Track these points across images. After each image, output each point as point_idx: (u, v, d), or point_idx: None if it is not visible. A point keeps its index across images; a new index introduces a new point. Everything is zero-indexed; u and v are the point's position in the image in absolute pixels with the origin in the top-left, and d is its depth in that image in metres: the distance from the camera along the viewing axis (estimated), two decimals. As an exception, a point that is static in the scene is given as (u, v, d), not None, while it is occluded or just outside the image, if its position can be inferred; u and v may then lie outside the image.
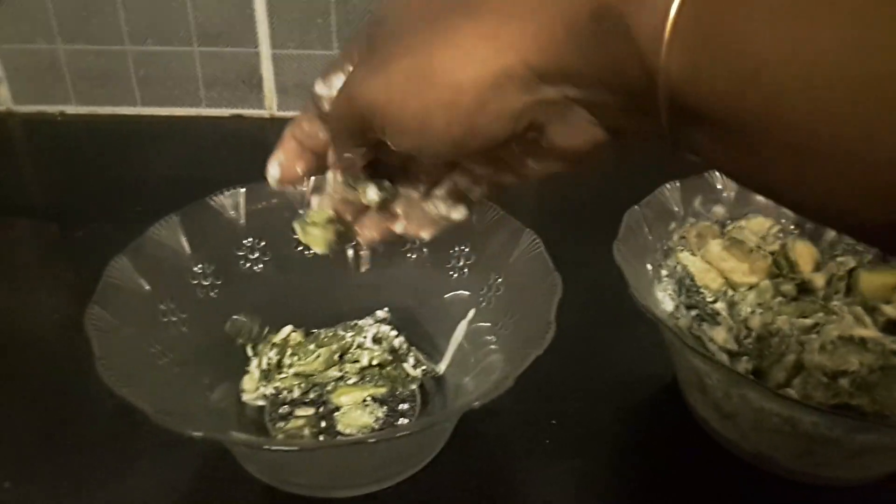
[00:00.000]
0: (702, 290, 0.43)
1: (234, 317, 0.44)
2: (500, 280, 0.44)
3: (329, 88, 0.31)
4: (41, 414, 0.44)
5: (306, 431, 0.40)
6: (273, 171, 0.35)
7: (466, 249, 0.46)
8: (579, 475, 0.42)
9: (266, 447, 0.30)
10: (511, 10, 0.23)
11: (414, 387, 0.45)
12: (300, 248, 0.48)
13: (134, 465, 0.41)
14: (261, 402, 0.43)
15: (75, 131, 0.75)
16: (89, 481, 0.41)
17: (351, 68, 0.29)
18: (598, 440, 0.43)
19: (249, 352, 0.45)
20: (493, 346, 0.42)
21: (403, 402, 0.44)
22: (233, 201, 0.47)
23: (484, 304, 0.44)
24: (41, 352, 0.49)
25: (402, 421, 0.43)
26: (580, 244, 0.48)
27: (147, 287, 0.41)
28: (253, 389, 0.43)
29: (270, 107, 0.77)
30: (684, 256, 0.44)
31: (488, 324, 0.43)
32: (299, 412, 0.42)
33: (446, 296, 0.46)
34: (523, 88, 0.24)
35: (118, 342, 0.37)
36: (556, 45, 0.23)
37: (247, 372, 0.44)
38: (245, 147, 0.75)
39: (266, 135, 0.76)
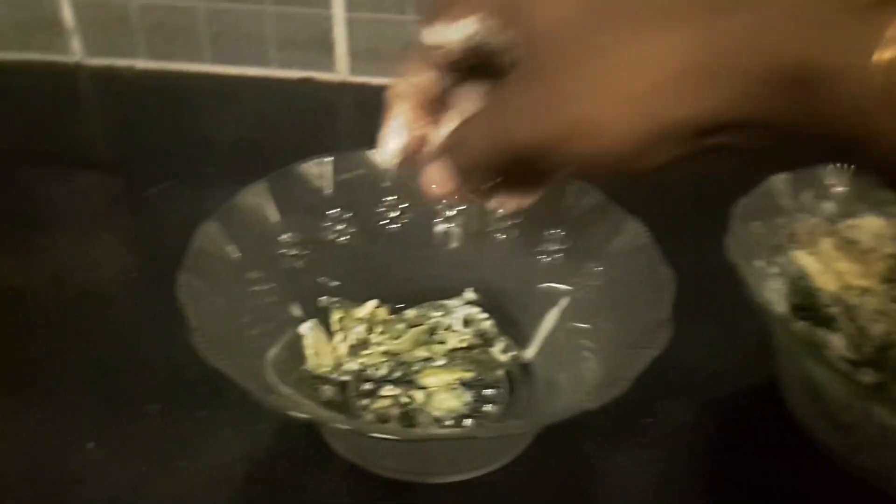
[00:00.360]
0: (818, 292, 0.40)
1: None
2: (598, 269, 0.42)
3: (458, 33, 0.27)
4: (122, 377, 0.44)
5: (394, 411, 0.39)
6: (398, 140, 0.31)
7: (561, 234, 0.44)
8: (670, 473, 0.40)
9: (386, 436, 0.29)
10: (690, 58, 0.21)
11: (500, 372, 0.43)
12: (387, 223, 0.46)
13: (216, 435, 0.40)
14: (344, 378, 0.42)
15: (144, 86, 0.74)
16: (168, 449, 0.40)
17: (484, 23, 0.26)
18: (692, 440, 0.41)
19: (334, 326, 0.43)
20: (587, 351, 0.39)
21: (489, 387, 0.43)
22: (320, 170, 0.45)
23: (580, 293, 0.42)
24: (117, 312, 0.49)
25: (489, 407, 0.41)
26: (674, 233, 0.45)
27: (236, 254, 0.40)
28: (335, 365, 0.42)
29: (342, 71, 0.75)
30: (800, 255, 0.41)
31: (586, 325, 0.40)
32: (385, 391, 0.41)
33: (540, 285, 0.44)
34: (682, 143, 0.23)
35: (210, 311, 0.36)
36: (733, 106, 0.21)
37: (331, 346, 0.43)
38: (314, 111, 0.73)
39: (337, 100, 0.74)
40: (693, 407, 0.43)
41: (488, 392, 0.42)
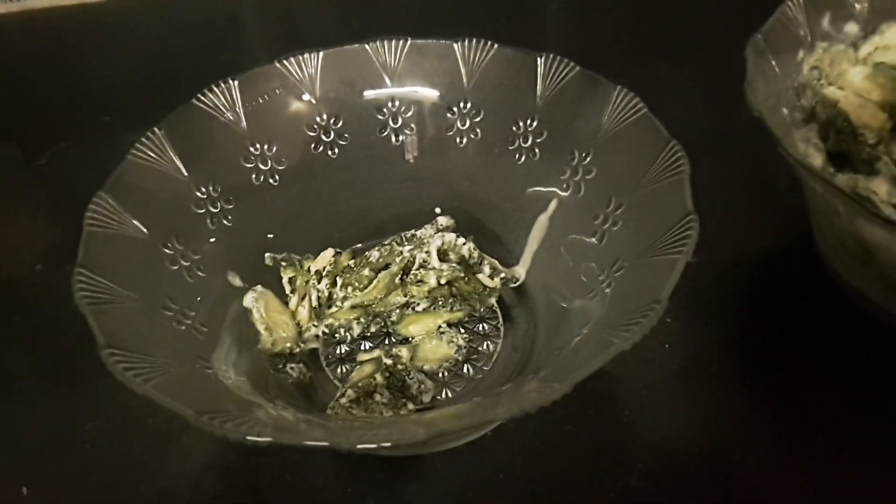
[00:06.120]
0: (862, 131, 0.33)
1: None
2: (586, 158, 0.34)
3: None
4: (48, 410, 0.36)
5: (378, 380, 0.32)
6: None
7: (534, 124, 0.36)
8: (703, 338, 0.35)
9: (359, 448, 0.22)
10: None
11: (493, 300, 0.36)
12: (322, 149, 0.38)
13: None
14: (313, 346, 0.35)
15: (7, 32, 0.62)
16: (126, 469, 0.33)
17: None
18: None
19: (287, 287, 0.36)
20: (591, 263, 0.32)
21: (482, 321, 0.36)
22: (226, 99, 0.36)
23: (569, 192, 0.35)
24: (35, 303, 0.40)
25: (487, 345, 0.35)
26: (672, 94, 0.38)
27: (144, 230, 0.31)
28: (297, 336, 0.35)
29: (237, -29, 0.63)
30: (832, 91, 0.34)
31: (584, 234, 0.33)
32: (363, 355, 0.34)
33: (529, 190, 0.36)
34: None
35: (122, 314, 0.28)
36: None
37: (286, 313, 0.35)
38: (219, 26, 0.62)
39: (237, 7, 0.63)
40: (723, 272, 0.37)
41: (484, 327, 0.36)
